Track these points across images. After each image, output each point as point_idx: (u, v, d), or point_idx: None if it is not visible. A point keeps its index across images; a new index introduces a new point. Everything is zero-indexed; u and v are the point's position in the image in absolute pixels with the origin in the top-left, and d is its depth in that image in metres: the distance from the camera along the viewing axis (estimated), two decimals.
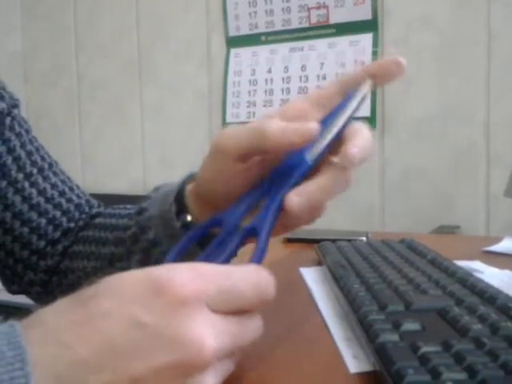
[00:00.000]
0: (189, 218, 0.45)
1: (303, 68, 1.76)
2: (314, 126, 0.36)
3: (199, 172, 0.44)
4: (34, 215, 0.56)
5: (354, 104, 0.40)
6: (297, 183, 0.38)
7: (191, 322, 0.25)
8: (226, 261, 0.36)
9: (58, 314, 0.26)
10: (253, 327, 0.30)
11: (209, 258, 0.36)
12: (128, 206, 0.56)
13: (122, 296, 0.26)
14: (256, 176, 0.40)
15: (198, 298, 0.26)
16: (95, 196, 0.64)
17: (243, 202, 0.39)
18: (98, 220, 0.58)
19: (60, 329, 0.25)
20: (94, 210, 0.61)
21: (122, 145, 2.10)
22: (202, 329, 0.25)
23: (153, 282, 0.26)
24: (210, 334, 0.26)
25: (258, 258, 0.36)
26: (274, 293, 0.31)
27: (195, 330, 0.25)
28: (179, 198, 0.47)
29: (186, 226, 0.45)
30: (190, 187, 0.47)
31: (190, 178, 0.47)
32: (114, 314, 0.25)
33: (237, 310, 0.29)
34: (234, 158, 0.39)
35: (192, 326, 0.25)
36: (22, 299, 0.65)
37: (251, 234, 0.37)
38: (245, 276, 0.29)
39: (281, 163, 0.39)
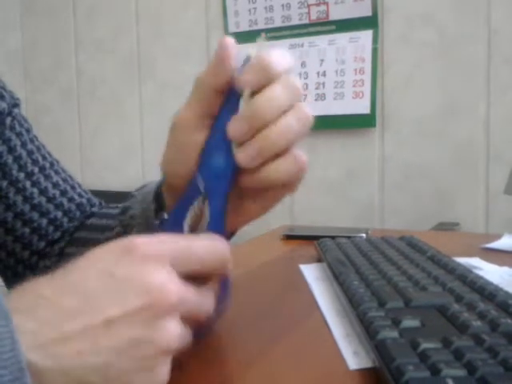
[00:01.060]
0: (165, 215, 0.46)
1: (303, 65, 1.75)
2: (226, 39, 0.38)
3: (162, 160, 0.44)
4: (35, 215, 0.56)
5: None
6: (232, 183, 0.39)
7: (156, 272, 0.29)
8: None
9: (37, 281, 0.28)
10: (208, 300, 0.33)
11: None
12: (119, 205, 0.56)
13: (95, 258, 0.29)
14: None
15: (160, 256, 0.29)
16: (94, 192, 0.64)
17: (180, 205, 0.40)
18: (90, 220, 0.58)
19: (38, 287, 0.27)
20: (90, 210, 0.61)
21: (121, 142, 2.10)
22: (165, 277, 0.29)
23: (120, 246, 0.29)
24: (171, 281, 0.29)
25: (212, 224, 0.37)
26: (229, 257, 0.34)
27: (159, 277, 0.28)
28: (158, 196, 0.47)
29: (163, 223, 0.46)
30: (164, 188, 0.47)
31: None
32: (87, 269, 0.28)
33: (197, 273, 0.32)
34: (192, 124, 0.40)
35: (156, 275, 0.28)
36: None
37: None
38: (202, 242, 0.33)
39: (206, 163, 0.39)
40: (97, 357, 0.26)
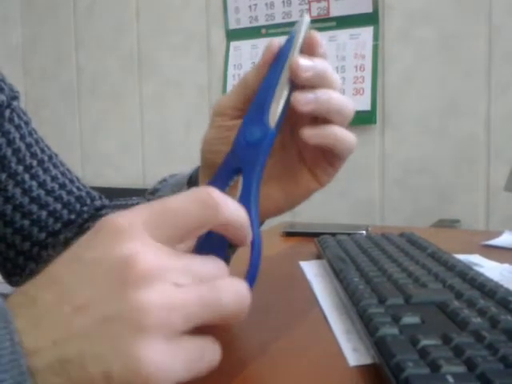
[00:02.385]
0: None
1: None
2: (273, 41, 0.39)
3: (203, 140, 0.46)
4: (34, 208, 0.56)
5: (297, 48, 0.39)
6: (267, 155, 0.38)
7: (125, 244, 0.26)
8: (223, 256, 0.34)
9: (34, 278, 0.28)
10: (207, 265, 0.28)
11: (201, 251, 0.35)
12: (133, 198, 0.56)
13: (72, 246, 0.28)
14: None
15: (132, 225, 0.27)
16: (94, 189, 0.64)
17: (215, 184, 0.37)
18: (104, 211, 0.58)
19: (28, 284, 0.27)
20: (98, 203, 0.61)
21: (122, 138, 2.10)
22: (136, 246, 0.26)
23: (94, 228, 0.28)
24: (145, 249, 0.26)
25: (244, 196, 0.35)
26: (222, 210, 0.28)
27: (129, 247, 0.26)
28: (192, 181, 0.48)
29: None
30: (200, 169, 0.48)
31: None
32: (61, 259, 0.27)
33: (182, 229, 0.28)
34: (230, 113, 0.43)
35: (125, 246, 0.26)
36: None
37: None
38: (181, 196, 0.29)
39: (241, 135, 0.39)
40: (70, 345, 0.25)
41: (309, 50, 0.39)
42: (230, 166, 0.38)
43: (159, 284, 0.25)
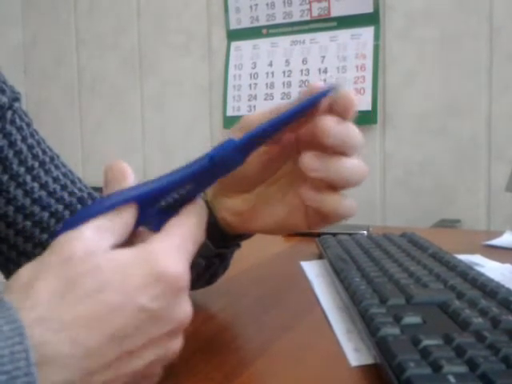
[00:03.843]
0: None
1: (304, 61, 1.75)
2: (317, 84, 0.37)
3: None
4: (36, 209, 0.56)
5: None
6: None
7: (184, 301, 0.29)
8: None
9: (59, 306, 0.26)
10: None
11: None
12: None
13: (128, 289, 0.27)
14: (276, 155, 0.41)
15: (186, 279, 0.29)
16: (95, 189, 0.64)
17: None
18: None
19: (66, 324, 0.25)
20: None
21: (123, 138, 2.10)
22: (190, 306, 0.30)
23: (154, 272, 0.28)
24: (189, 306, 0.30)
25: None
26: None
27: (188, 307, 0.30)
28: None
29: None
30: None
31: None
32: (123, 308, 0.27)
33: None
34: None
35: (186, 306, 0.29)
36: None
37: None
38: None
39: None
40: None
41: (342, 111, 0.36)
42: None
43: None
